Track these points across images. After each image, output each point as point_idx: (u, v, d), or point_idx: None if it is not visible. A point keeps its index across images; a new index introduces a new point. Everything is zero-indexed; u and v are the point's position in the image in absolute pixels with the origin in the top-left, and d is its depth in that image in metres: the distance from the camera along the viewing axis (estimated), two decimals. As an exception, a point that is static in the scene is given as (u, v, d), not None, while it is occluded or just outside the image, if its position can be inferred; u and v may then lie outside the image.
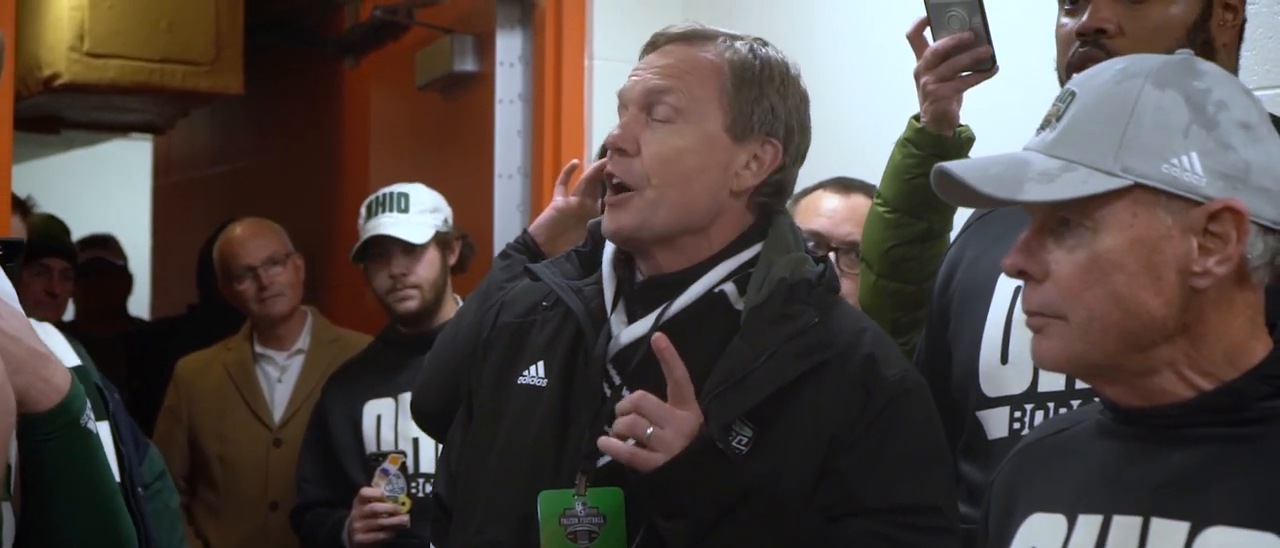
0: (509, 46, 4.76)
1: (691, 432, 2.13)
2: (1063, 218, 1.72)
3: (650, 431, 2.12)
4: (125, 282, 6.43)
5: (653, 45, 2.33)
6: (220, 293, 4.74)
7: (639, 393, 2.14)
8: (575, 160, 3.30)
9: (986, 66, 2.60)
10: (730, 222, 2.30)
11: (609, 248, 2.35)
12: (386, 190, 4.10)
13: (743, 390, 2.18)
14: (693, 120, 2.26)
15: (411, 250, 3.99)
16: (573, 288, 2.33)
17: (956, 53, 2.59)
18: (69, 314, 5.94)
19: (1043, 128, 1.76)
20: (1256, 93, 2.60)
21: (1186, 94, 1.70)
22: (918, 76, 2.64)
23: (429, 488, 3.83)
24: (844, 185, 3.31)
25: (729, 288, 2.27)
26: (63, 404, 1.96)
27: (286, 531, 4.28)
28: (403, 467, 3.83)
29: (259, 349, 4.59)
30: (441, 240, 4.05)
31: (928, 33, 2.65)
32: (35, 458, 1.96)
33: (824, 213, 3.27)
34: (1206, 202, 1.67)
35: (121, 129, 7.71)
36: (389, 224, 4.00)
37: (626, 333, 2.27)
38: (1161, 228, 1.68)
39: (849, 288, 3.26)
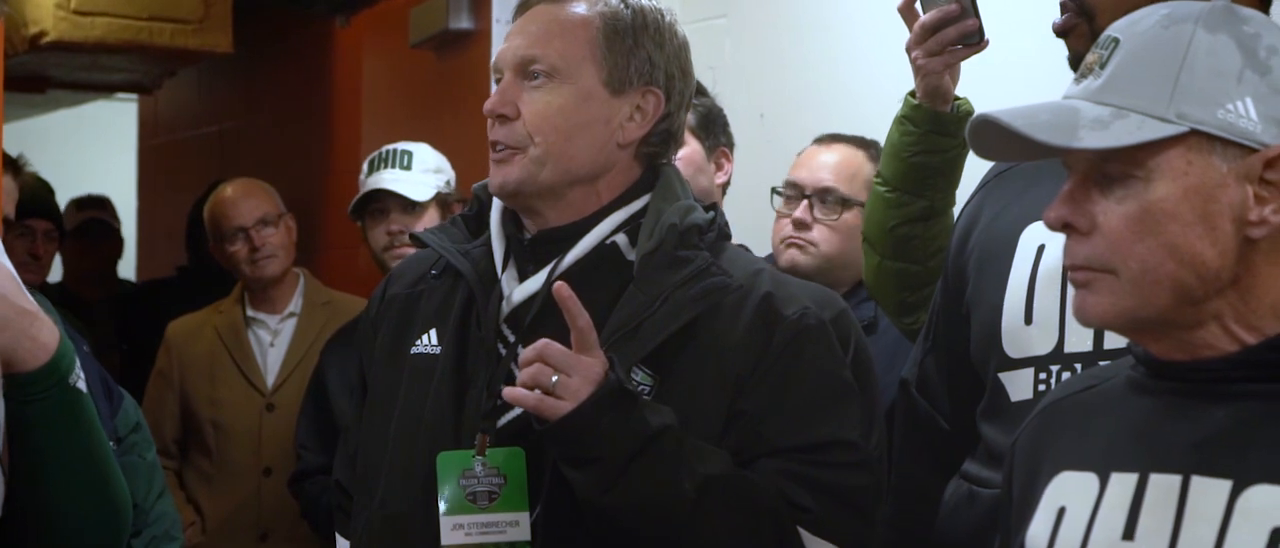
0: (505, 4, 4.73)
1: (598, 378, 2.11)
2: (1109, 168, 1.68)
3: (555, 378, 2.10)
4: (118, 245, 6.41)
5: (524, 6, 2.34)
6: (210, 255, 4.69)
7: (542, 341, 2.13)
8: None
9: (975, 40, 2.60)
10: (619, 174, 2.31)
11: (496, 208, 2.35)
12: (390, 147, 4.07)
13: (638, 338, 2.19)
14: (568, 79, 2.27)
15: (411, 208, 3.97)
16: (461, 251, 2.33)
17: (944, 26, 2.59)
18: (56, 276, 5.89)
19: (1083, 76, 1.73)
20: None
21: (1238, 39, 1.67)
22: (909, 51, 2.64)
23: None
24: (830, 139, 3.43)
25: (621, 238, 2.29)
26: (51, 363, 1.91)
27: (280, 496, 4.26)
28: None
29: (251, 313, 4.55)
30: (443, 201, 4.02)
31: (918, 6, 2.64)
32: (23, 420, 1.92)
33: (804, 164, 3.39)
34: (1262, 148, 1.65)
35: (108, 89, 7.69)
36: (390, 179, 3.98)
37: (519, 291, 2.28)
38: (1217, 176, 1.65)
39: (822, 234, 3.31)
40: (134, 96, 8.02)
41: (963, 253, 2.43)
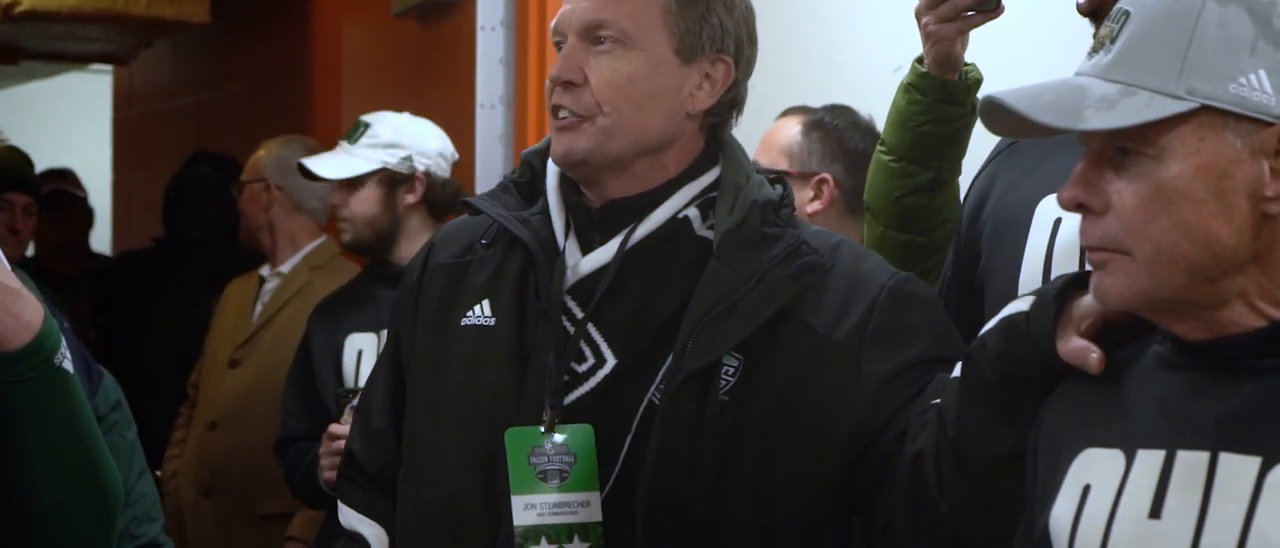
0: (490, -27, 4.71)
1: None
2: (1122, 146, 1.67)
3: None
4: (87, 215, 6.39)
5: None
6: (187, 227, 4.69)
7: None
8: None
9: (991, 5, 2.52)
10: (686, 145, 2.25)
11: (552, 175, 2.30)
12: (361, 117, 4.05)
13: (736, 317, 2.13)
14: (638, 46, 2.20)
15: (346, 183, 3.94)
16: (519, 219, 2.28)
17: None
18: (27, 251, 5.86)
19: (1095, 51, 1.72)
20: None
21: (1249, 7, 1.65)
22: (918, 16, 2.57)
23: None
24: (791, 112, 3.32)
25: (692, 213, 2.23)
26: (35, 342, 1.88)
27: (221, 452, 4.32)
28: None
29: (263, 271, 4.62)
30: (389, 178, 3.93)
31: None
32: (7, 401, 1.87)
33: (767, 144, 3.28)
34: (1277, 121, 1.63)
35: (82, 60, 7.67)
36: (320, 160, 3.99)
37: (586, 262, 2.22)
38: (1230, 152, 1.64)
39: None
40: (109, 68, 7.99)
41: (975, 225, 2.41)
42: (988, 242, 2.37)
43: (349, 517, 2.41)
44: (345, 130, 4.16)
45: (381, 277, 4.01)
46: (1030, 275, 2.26)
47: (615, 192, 2.24)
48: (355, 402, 3.73)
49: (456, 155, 4.10)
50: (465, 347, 2.26)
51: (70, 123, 9.29)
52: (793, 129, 3.24)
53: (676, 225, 2.22)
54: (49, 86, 9.14)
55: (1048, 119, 1.67)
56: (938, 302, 2.27)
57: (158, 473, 4.37)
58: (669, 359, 2.14)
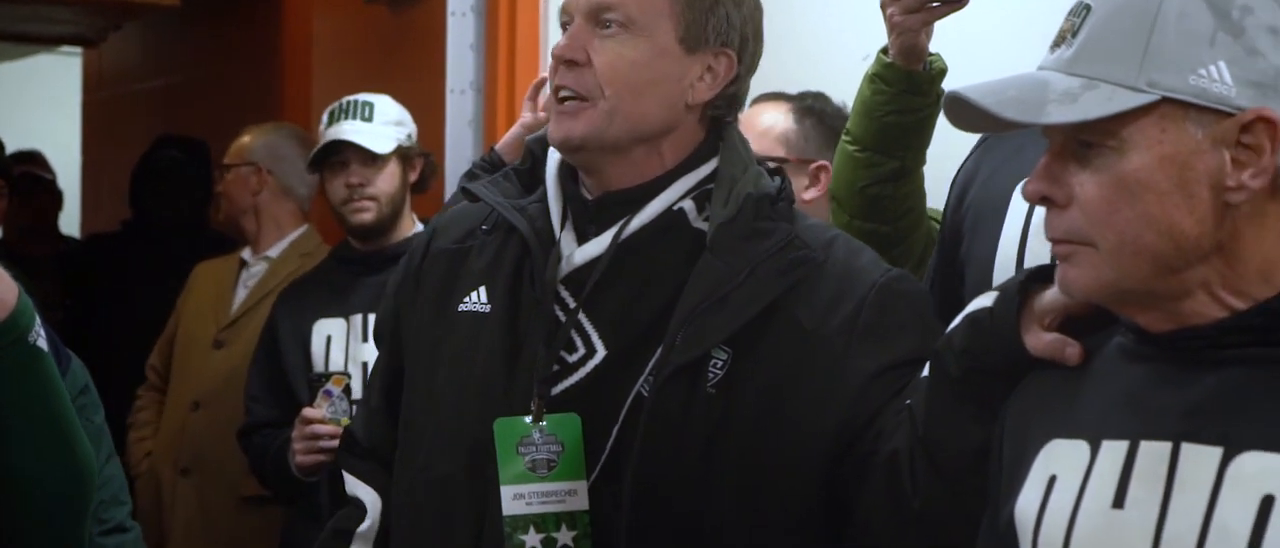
0: (464, -44, 4.72)
1: None
2: (1085, 139, 1.69)
3: None
4: (56, 197, 6.37)
5: None
6: (156, 209, 4.65)
7: None
8: (544, 74, 3.23)
9: None
10: (684, 136, 2.26)
11: (552, 164, 2.31)
12: (350, 98, 4.05)
13: (726, 311, 2.14)
14: (643, 32, 2.21)
15: (371, 160, 3.95)
16: (516, 207, 2.29)
17: None
18: (-3, 234, 5.87)
19: (1057, 45, 1.73)
20: None
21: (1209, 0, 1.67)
22: (884, 7, 2.59)
23: None
24: (765, 98, 3.32)
25: (688, 205, 2.24)
26: (9, 321, 1.88)
27: (202, 432, 4.33)
28: (346, 389, 3.80)
29: (245, 254, 4.62)
30: (403, 155, 4.01)
31: None
32: None
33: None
34: (1238, 112, 1.64)
35: (51, 41, 7.64)
36: (350, 131, 3.96)
37: (580, 253, 2.23)
38: (1192, 143, 1.65)
39: None
40: (78, 50, 7.97)
41: (959, 210, 2.43)
42: (970, 226, 2.39)
43: (351, 483, 2.44)
44: (316, 115, 4.17)
45: (347, 260, 4.02)
46: (1005, 261, 2.28)
47: (612, 181, 2.25)
48: (328, 386, 3.75)
49: None
50: (461, 332, 2.28)
51: (39, 105, 9.26)
52: (782, 116, 3.25)
53: (671, 217, 2.23)
54: (16, 69, 9.12)
55: (1010, 114, 1.68)
56: (927, 300, 2.28)
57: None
58: (658, 351, 2.15)
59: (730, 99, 2.28)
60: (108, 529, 3.16)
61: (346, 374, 3.84)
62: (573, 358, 2.20)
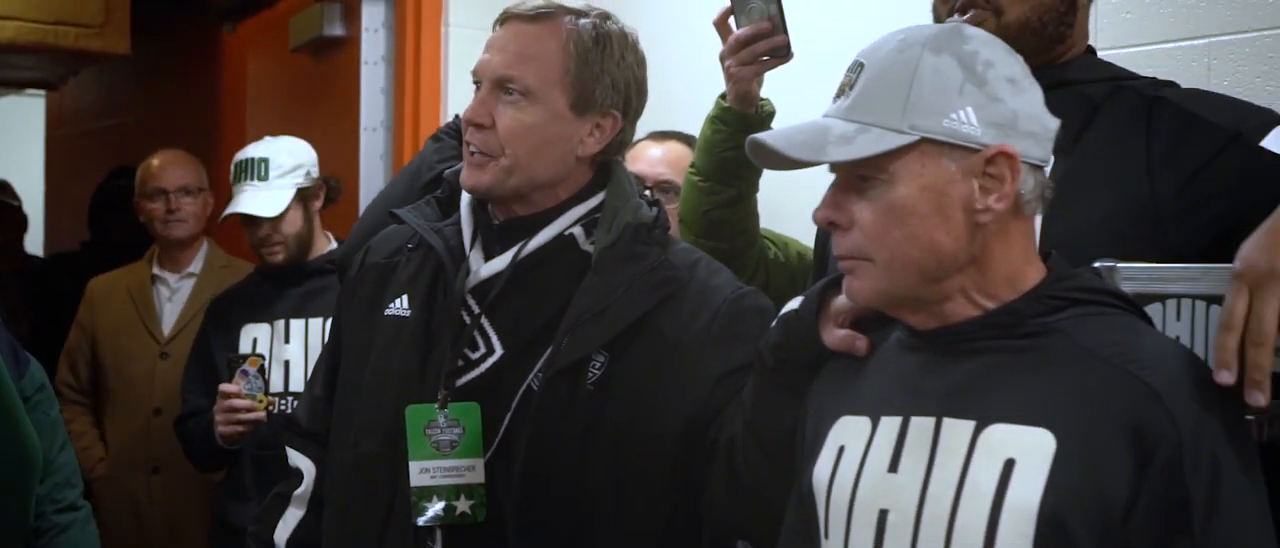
0: (373, 14, 4.70)
1: None
2: (862, 174, 1.71)
3: None
4: (21, 221, 6.30)
5: (503, 20, 2.29)
6: (111, 230, 4.61)
7: None
8: None
9: (783, 53, 2.58)
10: (576, 179, 2.29)
11: (466, 194, 2.33)
12: (247, 155, 3.94)
13: (603, 322, 2.17)
14: (540, 100, 2.22)
15: (274, 217, 3.87)
16: (434, 229, 2.32)
17: (756, 41, 2.58)
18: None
19: (838, 96, 1.75)
20: (1134, 50, 2.61)
21: (959, 57, 1.71)
22: (722, 60, 2.62)
23: (292, 404, 3.81)
24: (661, 136, 3.36)
25: (578, 231, 2.26)
26: None
27: (167, 433, 4.22)
28: (261, 369, 3.77)
29: (157, 271, 4.52)
30: (303, 195, 3.92)
31: (732, 21, 2.63)
32: None
33: (644, 159, 3.30)
34: (983, 148, 1.68)
35: (18, 85, 7.53)
36: (247, 202, 3.87)
37: (485, 268, 2.26)
38: (947, 174, 1.68)
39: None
40: (42, 93, 7.87)
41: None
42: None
43: (292, 456, 2.46)
44: (248, 139, 4.14)
45: (270, 275, 4.00)
46: None
47: (514, 211, 2.28)
48: (244, 366, 3.75)
49: None
50: (385, 333, 2.30)
51: (7, 140, 9.12)
52: (683, 150, 3.29)
53: (563, 241, 2.26)
54: (-11, 108, 8.99)
55: (797, 154, 1.71)
56: (772, 313, 2.26)
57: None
58: (547, 352, 2.18)
59: (618, 146, 2.31)
60: (61, 508, 3.17)
61: (260, 356, 3.79)
62: (475, 356, 2.23)
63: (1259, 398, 1.58)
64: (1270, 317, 1.60)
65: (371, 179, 4.58)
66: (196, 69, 6.33)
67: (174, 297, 4.50)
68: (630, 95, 2.29)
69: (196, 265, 4.52)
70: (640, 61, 2.31)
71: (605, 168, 2.32)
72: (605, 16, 2.29)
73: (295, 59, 5.27)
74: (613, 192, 2.29)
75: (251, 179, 3.91)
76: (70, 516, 3.13)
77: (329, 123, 4.85)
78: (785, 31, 2.56)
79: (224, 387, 3.75)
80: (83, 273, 4.91)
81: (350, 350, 2.37)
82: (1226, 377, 1.60)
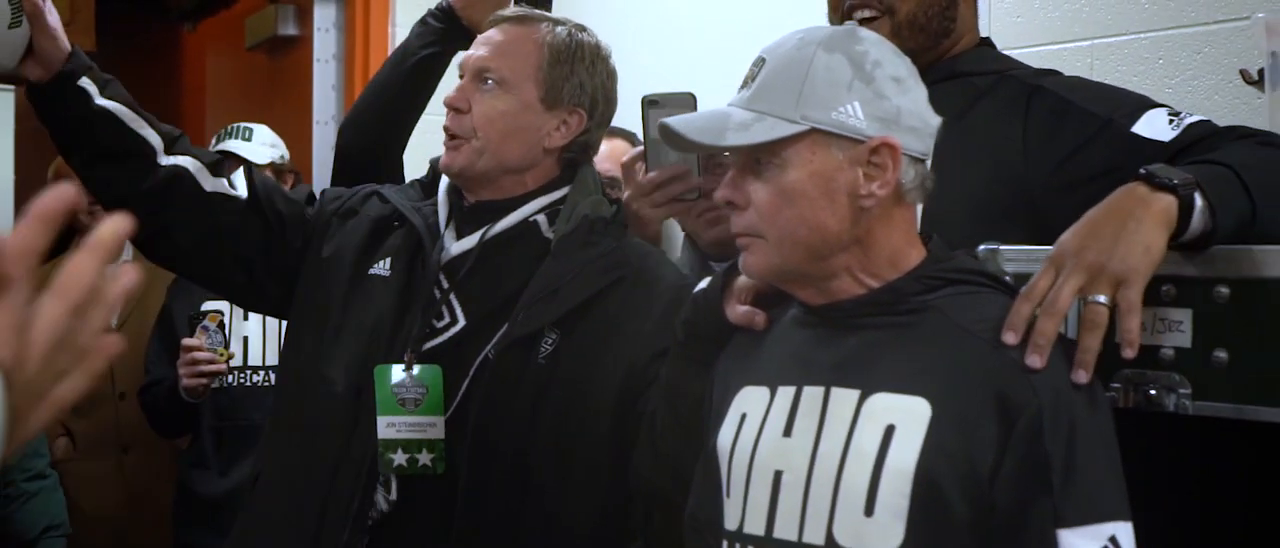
0: (325, 14, 4.73)
1: None
2: (758, 158, 1.76)
3: None
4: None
5: (493, 23, 2.41)
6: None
7: None
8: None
9: (693, 196, 2.44)
10: (543, 170, 2.39)
11: (444, 178, 2.43)
12: (235, 124, 4.07)
13: (555, 300, 2.26)
14: (512, 90, 2.34)
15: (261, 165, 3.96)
16: (415, 207, 2.42)
17: (670, 184, 2.44)
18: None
19: (742, 87, 1.80)
20: (1026, 51, 2.66)
21: (850, 56, 1.75)
22: (628, 204, 2.47)
23: (249, 378, 3.86)
24: (608, 133, 3.33)
25: (541, 218, 2.37)
26: None
27: (135, 416, 4.22)
28: (221, 324, 3.80)
29: None
30: (278, 169, 4.04)
31: (642, 164, 2.49)
32: None
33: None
34: (868, 140, 1.73)
35: (-14, 80, 7.47)
36: (234, 147, 3.99)
37: (455, 247, 2.35)
38: (834, 162, 1.73)
39: None
40: (11, 87, 7.82)
41: None
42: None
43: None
44: (210, 140, 4.19)
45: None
46: None
47: (484, 196, 2.38)
48: (204, 322, 3.79)
49: None
50: (368, 290, 2.38)
51: (-23, 133, 9.04)
52: (625, 146, 3.27)
53: (526, 227, 2.36)
54: (-42, 103, 8.89)
55: (699, 138, 1.76)
56: None
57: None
58: (505, 327, 2.27)
59: (583, 146, 2.40)
60: (30, 476, 3.23)
61: (220, 311, 3.81)
62: (440, 324, 2.32)
63: (1036, 361, 1.65)
64: (1067, 294, 1.68)
65: (324, 170, 4.60)
66: (158, 65, 6.34)
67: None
68: (598, 99, 2.39)
69: (128, 251, 4.45)
70: (610, 74, 2.42)
71: (573, 166, 2.41)
72: (581, 28, 2.41)
73: (251, 57, 5.30)
74: (576, 187, 2.38)
75: (237, 138, 4.02)
76: (38, 483, 3.18)
77: (283, 117, 4.88)
78: (699, 172, 2.42)
79: (186, 341, 3.79)
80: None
81: (333, 289, 2.41)
82: (1011, 337, 1.66)
